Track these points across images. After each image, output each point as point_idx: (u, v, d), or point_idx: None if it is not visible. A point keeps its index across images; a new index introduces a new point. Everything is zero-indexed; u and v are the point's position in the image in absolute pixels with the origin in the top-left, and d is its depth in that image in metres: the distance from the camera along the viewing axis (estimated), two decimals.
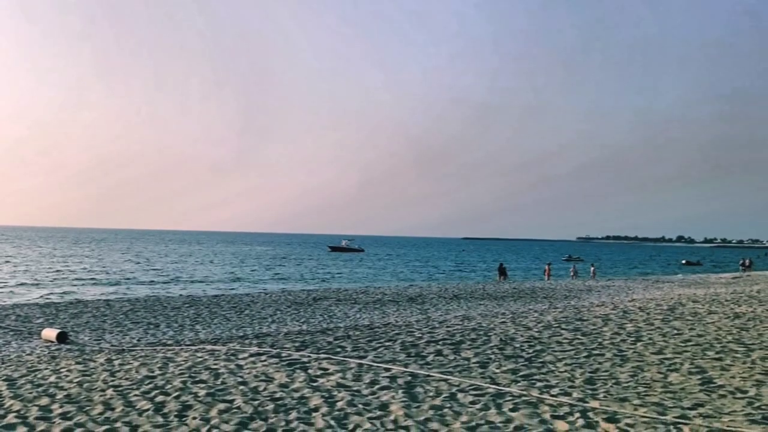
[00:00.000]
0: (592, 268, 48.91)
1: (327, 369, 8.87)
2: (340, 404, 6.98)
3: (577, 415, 6.47)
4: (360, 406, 6.92)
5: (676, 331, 12.16)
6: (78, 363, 10.19)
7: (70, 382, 8.51)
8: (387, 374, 8.51)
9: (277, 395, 7.41)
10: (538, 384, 7.91)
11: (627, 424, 6.12)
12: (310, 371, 8.73)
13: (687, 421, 6.16)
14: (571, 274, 46.82)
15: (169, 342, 13.53)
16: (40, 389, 8.10)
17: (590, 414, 6.50)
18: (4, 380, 8.74)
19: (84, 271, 47.50)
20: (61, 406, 7.15)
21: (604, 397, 7.22)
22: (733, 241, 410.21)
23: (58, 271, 47.55)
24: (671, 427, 6.02)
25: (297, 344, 11.32)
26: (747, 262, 59.92)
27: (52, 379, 8.81)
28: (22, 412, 6.94)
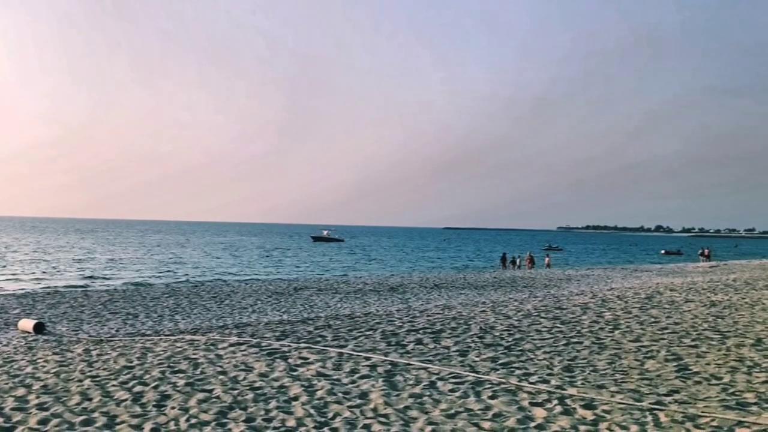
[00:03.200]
0: (547, 259, 49.42)
1: (307, 358, 8.87)
2: (320, 393, 6.98)
3: (555, 402, 6.55)
4: (340, 394, 6.93)
5: (653, 319, 12.32)
6: (55, 353, 10.08)
7: (47, 372, 8.42)
8: (367, 363, 8.52)
9: (257, 384, 7.39)
10: (517, 372, 7.97)
11: (604, 411, 6.20)
12: (290, 360, 8.72)
13: (662, 407, 6.25)
14: (523, 263, 46.90)
15: (148, 332, 13.42)
16: (16, 380, 8.00)
17: (568, 401, 6.57)
18: None
19: (64, 262, 46.88)
20: (37, 397, 7.07)
21: (582, 384, 7.31)
22: (711, 231, 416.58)
23: (36, 260, 46.90)
24: (647, 413, 6.11)
25: (277, 334, 11.30)
26: (706, 251, 60.10)
27: (29, 369, 8.71)
28: None
